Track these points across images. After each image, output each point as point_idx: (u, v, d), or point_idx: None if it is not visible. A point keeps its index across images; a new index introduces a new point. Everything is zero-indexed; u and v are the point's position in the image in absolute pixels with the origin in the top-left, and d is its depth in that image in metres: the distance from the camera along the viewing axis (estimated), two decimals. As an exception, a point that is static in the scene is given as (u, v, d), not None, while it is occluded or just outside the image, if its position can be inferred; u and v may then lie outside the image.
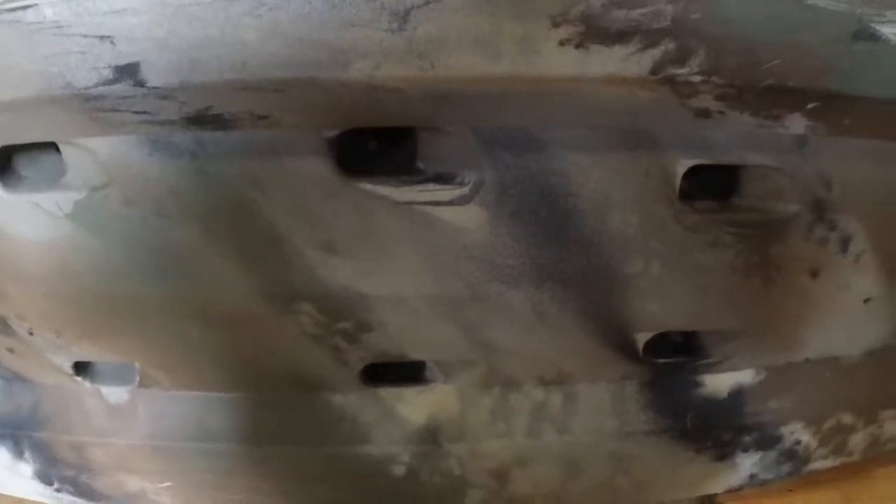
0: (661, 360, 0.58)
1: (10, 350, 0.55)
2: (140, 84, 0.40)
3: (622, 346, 0.55)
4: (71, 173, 0.47)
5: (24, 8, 0.39)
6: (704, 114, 0.46)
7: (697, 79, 0.43)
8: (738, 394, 0.61)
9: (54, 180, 0.47)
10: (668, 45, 0.41)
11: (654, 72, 0.42)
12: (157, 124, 0.43)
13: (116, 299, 0.49)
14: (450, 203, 0.46)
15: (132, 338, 0.51)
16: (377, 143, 0.47)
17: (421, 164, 0.47)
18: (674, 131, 0.47)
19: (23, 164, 0.49)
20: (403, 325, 0.51)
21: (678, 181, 0.48)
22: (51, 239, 0.47)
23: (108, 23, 0.39)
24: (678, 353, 0.59)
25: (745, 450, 0.62)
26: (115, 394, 0.56)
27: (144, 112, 0.42)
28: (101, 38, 0.39)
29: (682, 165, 0.48)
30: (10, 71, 0.41)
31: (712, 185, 0.51)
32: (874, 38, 0.45)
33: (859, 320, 0.60)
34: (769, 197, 0.51)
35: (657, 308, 0.53)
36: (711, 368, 0.60)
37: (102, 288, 0.48)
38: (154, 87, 0.40)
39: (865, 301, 0.59)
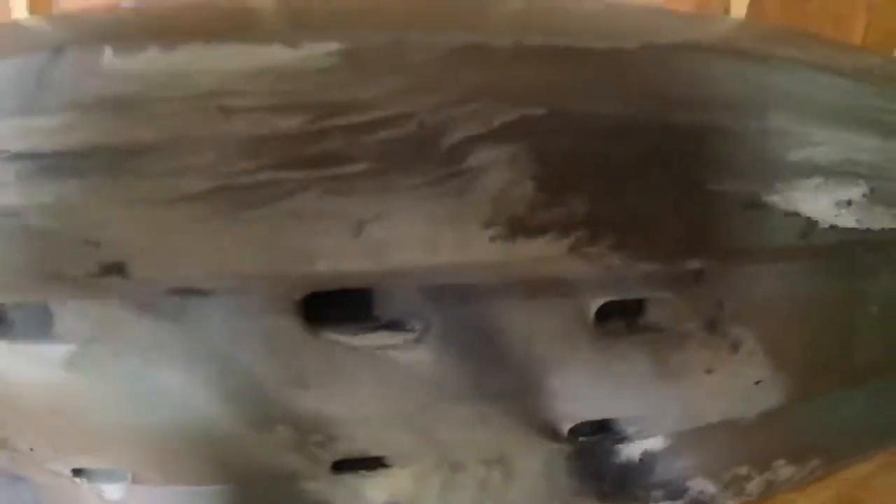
0: (583, 439, 0.68)
1: (12, 459, 0.61)
2: (126, 276, 0.46)
3: (550, 433, 0.65)
4: (60, 326, 0.52)
5: (7, 216, 0.44)
6: (614, 268, 0.54)
7: (607, 253, 0.51)
8: (648, 458, 0.71)
9: (45, 328, 0.53)
10: (580, 233, 0.49)
11: (569, 251, 0.50)
12: (143, 294, 0.49)
13: (111, 429, 0.56)
14: (401, 347, 0.54)
15: (127, 454, 0.58)
16: (338, 298, 0.54)
17: (376, 314, 0.54)
18: (587, 281, 0.55)
19: (13, 312, 0.54)
20: (366, 435, 0.59)
21: (592, 314, 0.57)
22: (46, 382, 0.53)
23: (94, 231, 0.44)
24: (597, 431, 0.69)
25: (657, 501, 0.74)
26: (111, 490, 0.63)
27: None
28: (87, 242, 0.45)
29: (595, 303, 0.57)
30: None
31: (622, 309, 0.60)
32: (762, 206, 0.53)
33: (753, 395, 0.71)
34: (670, 319, 0.61)
35: (577, 408, 0.63)
36: (625, 440, 0.70)
37: (97, 421, 0.55)
38: (140, 279, 0.46)
39: (757, 383, 0.70)
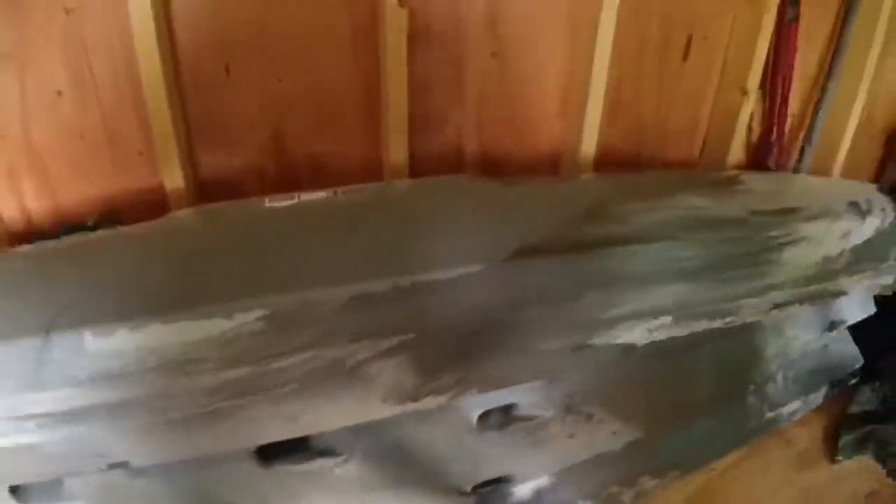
0: (484, 490, 0.93)
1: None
2: (128, 468, 0.67)
3: (456, 493, 0.90)
4: (69, 488, 0.72)
5: (30, 447, 0.63)
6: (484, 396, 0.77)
7: (476, 394, 0.74)
8: (537, 494, 0.98)
9: (57, 491, 0.72)
10: (452, 392, 0.71)
11: (447, 400, 0.72)
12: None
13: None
14: (335, 466, 0.77)
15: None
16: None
17: (313, 445, 0.76)
18: (466, 404, 0.78)
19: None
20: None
21: (475, 420, 0.81)
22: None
23: (102, 449, 0.64)
24: (495, 482, 0.94)
25: None
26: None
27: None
28: (96, 455, 0.65)
29: (476, 413, 0.80)
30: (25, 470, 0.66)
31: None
32: (588, 346, 0.77)
33: (614, 438, 0.98)
34: (535, 409, 0.85)
35: (473, 476, 0.88)
36: (517, 484, 0.96)
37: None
38: (138, 466, 0.67)
39: (613, 433, 0.96)
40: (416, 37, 0.95)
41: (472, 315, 0.69)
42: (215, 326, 0.62)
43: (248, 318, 0.63)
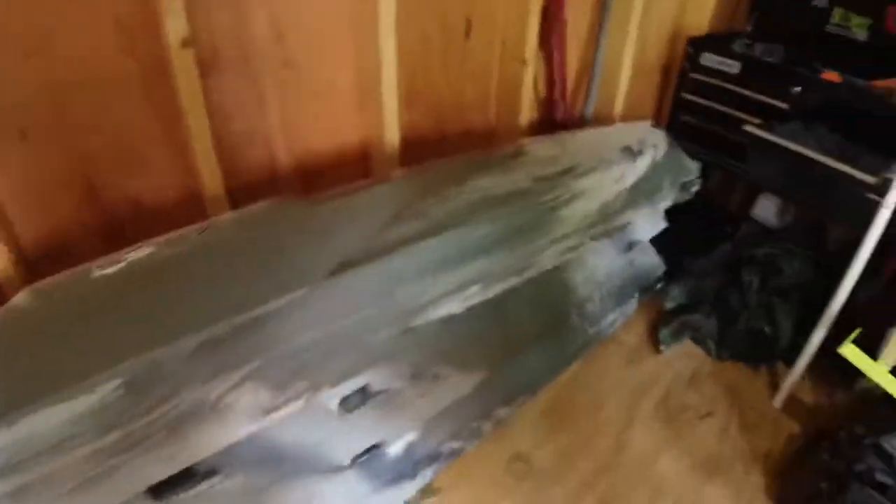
0: (362, 458, 1.11)
1: None
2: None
3: (339, 467, 1.07)
4: None
5: None
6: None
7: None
8: (410, 447, 1.17)
9: None
10: (308, 394, 0.87)
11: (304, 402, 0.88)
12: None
13: None
14: (220, 483, 0.91)
15: None
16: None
17: (196, 470, 0.90)
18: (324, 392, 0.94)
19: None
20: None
21: (335, 406, 0.97)
22: None
23: None
24: (370, 450, 1.12)
25: (422, 470, 1.21)
26: None
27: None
28: None
29: (335, 399, 0.97)
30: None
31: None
32: (413, 328, 0.94)
33: (462, 385, 1.18)
34: (387, 383, 1.03)
35: (347, 452, 1.05)
36: (390, 445, 1.15)
37: None
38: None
39: (460, 382, 1.16)
40: (207, 67, 1.04)
41: (305, 332, 0.84)
42: (81, 404, 0.72)
43: (108, 388, 0.74)
